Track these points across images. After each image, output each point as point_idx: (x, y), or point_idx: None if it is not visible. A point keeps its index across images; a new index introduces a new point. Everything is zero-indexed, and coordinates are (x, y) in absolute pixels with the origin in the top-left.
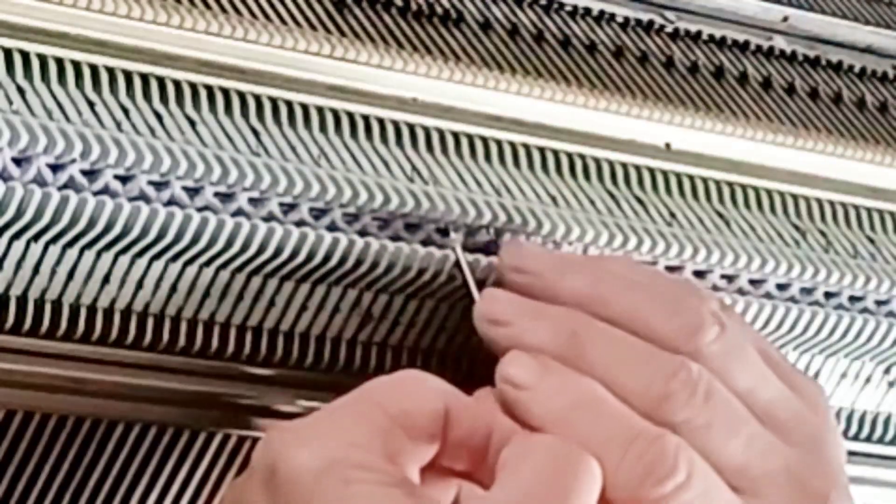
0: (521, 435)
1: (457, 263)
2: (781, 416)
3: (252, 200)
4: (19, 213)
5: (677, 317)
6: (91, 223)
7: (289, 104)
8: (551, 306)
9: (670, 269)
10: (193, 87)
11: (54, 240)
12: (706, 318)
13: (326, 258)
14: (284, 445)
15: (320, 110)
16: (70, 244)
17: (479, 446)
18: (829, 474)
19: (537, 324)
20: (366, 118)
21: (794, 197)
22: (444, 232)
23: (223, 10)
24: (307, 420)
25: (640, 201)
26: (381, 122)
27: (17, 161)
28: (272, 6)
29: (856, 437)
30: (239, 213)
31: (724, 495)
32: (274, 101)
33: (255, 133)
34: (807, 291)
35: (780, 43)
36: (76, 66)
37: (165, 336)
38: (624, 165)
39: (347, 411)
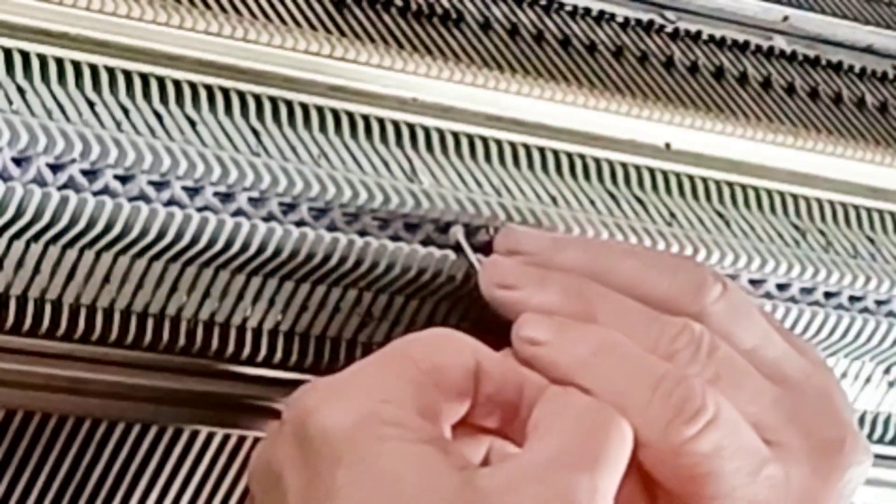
0: (552, 392)
1: (458, 246)
2: (788, 371)
3: (252, 200)
4: (19, 213)
5: (679, 278)
6: (91, 223)
7: (289, 104)
8: (555, 272)
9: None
10: (193, 87)
11: (54, 240)
12: (708, 278)
13: (326, 258)
14: (316, 401)
15: (320, 110)
16: (70, 244)
17: (510, 403)
18: (842, 423)
19: (544, 287)
20: (366, 118)
21: (794, 197)
22: (445, 228)
23: (223, 10)
24: (338, 376)
25: (640, 201)
26: (381, 122)
27: (17, 161)
28: (272, 6)
29: None
30: (239, 213)
31: (749, 434)
32: (274, 101)
33: (255, 133)
34: (807, 291)
35: (780, 43)
36: (76, 66)
37: (165, 336)
38: (624, 165)
39: (379, 367)
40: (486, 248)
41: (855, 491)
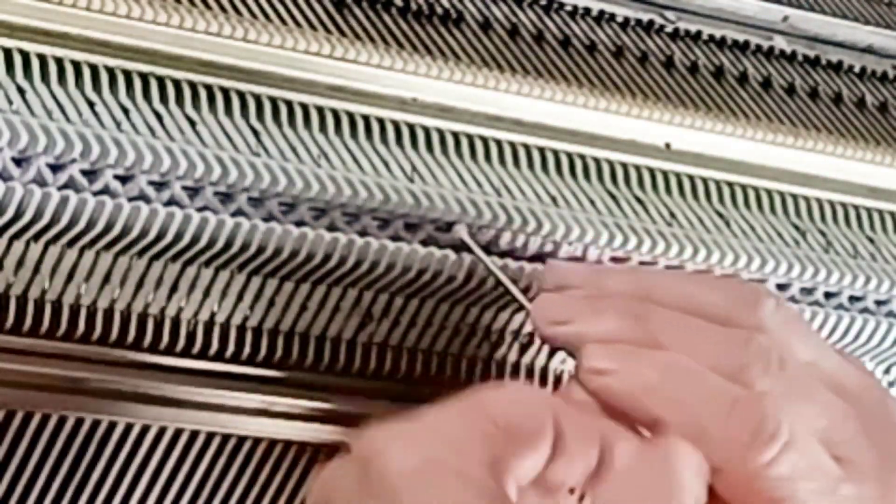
0: (629, 445)
1: (463, 244)
2: (847, 384)
3: (252, 200)
4: (19, 213)
5: (733, 293)
6: (91, 223)
7: (289, 104)
8: (608, 297)
9: (670, 269)
10: (193, 87)
11: (54, 240)
12: (762, 292)
13: (326, 258)
14: (382, 441)
15: (320, 110)
16: (70, 244)
17: (590, 459)
18: None
19: (599, 316)
20: (366, 118)
21: (794, 197)
22: (445, 228)
23: (223, 10)
24: (409, 419)
25: (640, 201)
26: (381, 122)
27: (17, 161)
28: (272, 6)
29: None
30: (239, 213)
31: (823, 456)
32: (274, 101)
33: (255, 133)
34: (807, 291)
35: (780, 43)
36: (76, 66)
37: (166, 336)
38: (624, 165)
39: (452, 415)
40: (485, 249)
41: None
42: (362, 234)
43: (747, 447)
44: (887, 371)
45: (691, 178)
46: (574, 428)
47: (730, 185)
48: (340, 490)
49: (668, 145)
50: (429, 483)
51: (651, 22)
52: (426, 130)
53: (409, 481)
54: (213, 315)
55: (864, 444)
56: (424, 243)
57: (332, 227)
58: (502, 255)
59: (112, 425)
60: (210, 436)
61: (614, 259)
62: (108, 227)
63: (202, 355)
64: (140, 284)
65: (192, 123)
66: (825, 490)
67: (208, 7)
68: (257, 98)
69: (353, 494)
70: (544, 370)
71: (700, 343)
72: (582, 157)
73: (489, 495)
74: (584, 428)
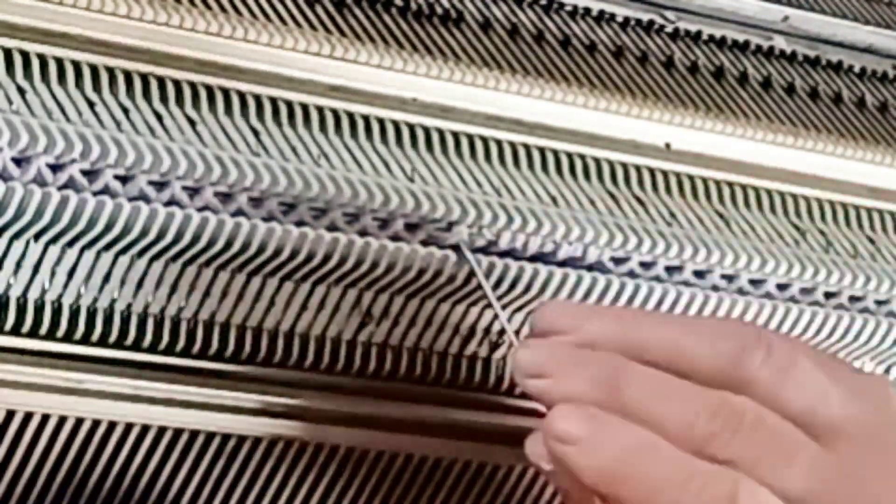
0: None
1: (457, 248)
2: (847, 430)
3: (252, 200)
4: (19, 213)
5: (719, 346)
6: (91, 223)
7: (289, 104)
8: (587, 354)
9: (670, 269)
10: (193, 87)
11: (54, 240)
12: (749, 342)
13: (326, 258)
14: None
15: (320, 110)
16: (70, 244)
17: None
18: None
19: (575, 372)
20: (366, 118)
21: (794, 197)
22: (445, 228)
23: (223, 10)
24: None
25: (640, 201)
26: (381, 122)
27: (17, 161)
28: (272, 6)
29: None
30: (239, 213)
31: None
32: (274, 101)
33: (255, 133)
34: (807, 291)
35: (780, 43)
36: (76, 66)
37: (165, 336)
38: (624, 165)
39: None
40: (485, 249)
41: None
42: (362, 234)
43: None
44: (887, 371)
45: (691, 178)
46: None
47: (730, 185)
48: None
49: (668, 145)
50: None
51: (651, 22)
52: (426, 130)
53: None
54: (213, 315)
55: (857, 495)
56: (425, 243)
57: (332, 227)
58: (502, 255)
59: (112, 425)
60: (210, 436)
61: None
62: (108, 227)
63: (202, 355)
64: (140, 284)
65: (192, 123)
66: None
67: (208, 7)
68: (257, 98)
69: None
70: None
71: (670, 408)
72: (582, 157)
73: None
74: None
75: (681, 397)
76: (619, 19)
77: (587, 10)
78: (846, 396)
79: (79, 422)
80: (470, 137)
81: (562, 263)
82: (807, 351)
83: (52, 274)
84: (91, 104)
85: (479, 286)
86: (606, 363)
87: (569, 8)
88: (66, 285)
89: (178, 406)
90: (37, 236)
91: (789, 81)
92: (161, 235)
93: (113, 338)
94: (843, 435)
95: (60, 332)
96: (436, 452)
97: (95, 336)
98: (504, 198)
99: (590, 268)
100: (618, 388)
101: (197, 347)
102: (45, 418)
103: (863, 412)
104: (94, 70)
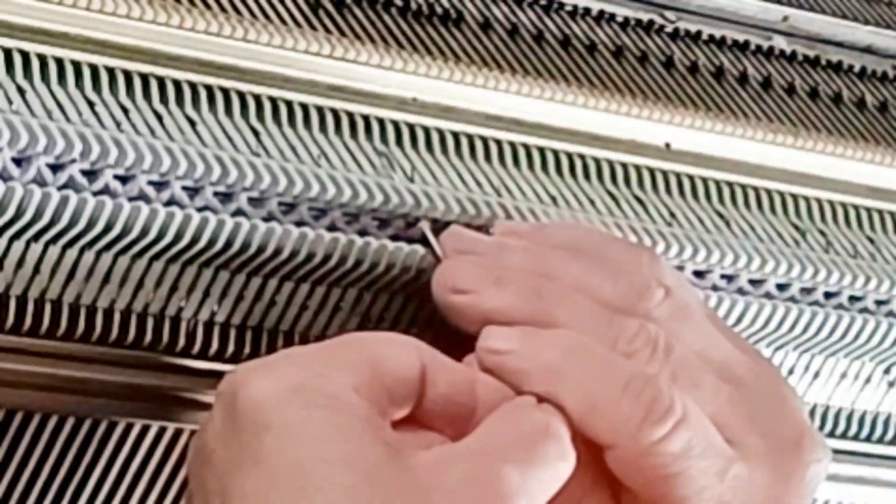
0: (507, 403)
1: (424, 239)
2: (738, 372)
3: (252, 200)
4: (19, 213)
5: (622, 283)
6: (91, 223)
7: (289, 104)
8: (511, 272)
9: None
10: (193, 87)
11: (54, 240)
12: (651, 283)
13: (326, 258)
14: (249, 373)
15: (320, 110)
16: (70, 244)
17: (463, 406)
18: (798, 421)
19: (500, 288)
20: (366, 118)
21: (794, 197)
22: (445, 228)
23: (223, 10)
24: (273, 355)
25: (640, 201)
26: (381, 122)
27: (17, 161)
28: (272, 6)
29: (856, 437)
30: (239, 213)
31: (715, 434)
32: (274, 101)
33: (255, 133)
34: (807, 291)
35: (780, 43)
36: (76, 66)
37: (165, 336)
38: (624, 165)
39: (317, 349)
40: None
41: (816, 489)
42: (362, 234)
43: (640, 423)
44: (887, 371)
45: (691, 178)
46: (445, 374)
47: (730, 185)
48: (212, 432)
49: (668, 145)
50: (296, 404)
51: (651, 22)
52: (426, 130)
53: (278, 404)
54: (213, 315)
55: (754, 429)
56: (425, 243)
57: (332, 227)
58: None
59: (112, 425)
60: None
61: None
62: (108, 227)
63: (202, 355)
64: (140, 284)
65: (192, 123)
66: (717, 470)
67: (208, 7)
68: (257, 98)
69: (225, 431)
70: None
71: (593, 329)
72: (582, 157)
73: (359, 414)
74: (456, 375)
75: (604, 318)
76: (619, 19)
77: (587, 10)
78: (733, 347)
79: (79, 422)
80: (470, 137)
81: None
82: (700, 303)
83: (52, 274)
84: (91, 104)
85: None
86: (531, 280)
87: (569, 8)
88: (65, 285)
89: (178, 406)
90: (37, 236)
91: (789, 81)
92: (161, 235)
93: (113, 338)
94: (736, 375)
95: (60, 332)
96: None
97: (95, 336)
98: (504, 198)
99: None
100: (545, 303)
101: (197, 347)
102: (46, 418)
103: (750, 361)
104: (94, 70)
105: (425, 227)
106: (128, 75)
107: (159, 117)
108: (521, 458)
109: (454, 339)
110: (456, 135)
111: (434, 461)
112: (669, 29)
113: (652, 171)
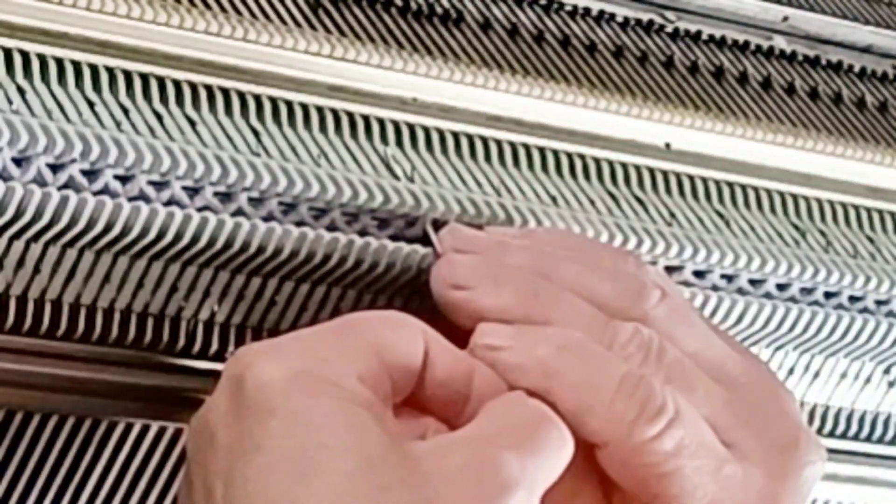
0: (505, 395)
1: (426, 238)
2: (733, 373)
3: (252, 200)
4: (19, 213)
5: (619, 284)
6: (91, 223)
7: (289, 104)
8: (510, 271)
9: (670, 269)
10: (193, 87)
11: (54, 240)
12: (647, 284)
13: (326, 258)
14: (253, 357)
15: (320, 110)
16: (70, 244)
17: (459, 394)
18: (793, 422)
19: (499, 287)
20: (366, 118)
21: (794, 197)
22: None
23: (223, 10)
24: (281, 337)
25: (640, 201)
26: (381, 122)
27: (17, 161)
28: (272, 6)
29: (856, 437)
30: (239, 213)
31: (709, 433)
32: (274, 101)
33: (255, 133)
34: (807, 291)
35: (780, 43)
36: (76, 66)
37: (165, 336)
38: (624, 165)
39: (323, 332)
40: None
41: (812, 490)
42: (362, 234)
43: (633, 421)
44: (887, 371)
45: (691, 178)
46: (446, 359)
47: (730, 185)
48: (216, 412)
49: (668, 145)
50: (301, 391)
51: (651, 22)
52: (426, 130)
53: (283, 390)
54: (213, 315)
55: (748, 430)
56: (425, 243)
57: (332, 227)
58: None
59: (112, 425)
60: None
61: None
62: (108, 227)
63: (202, 355)
64: (140, 284)
65: (192, 123)
66: (710, 469)
67: (208, 7)
68: (257, 98)
69: (229, 414)
70: None
71: (589, 331)
72: (582, 157)
73: (362, 402)
74: (457, 361)
75: (599, 321)
76: (619, 19)
77: (587, 10)
78: (729, 349)
79: (79, 422)
80: (470, 137)
81: None
82: (690, 304)
83: (52, 274)
84: (91, 104)
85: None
86: (530, 280)
87: (569, 8)
88: (65, 285)
89: (180, 405)
90: (37, 236)
91: (789, 81)
92: (161, 235)
93: (113, 338)
94: (731, 377)
95: (60, 332)
96: None
97: (95, 336)
98: (504, 198)
99: None
100: (541, 304)
101: (197, 347)
102: (46, 418)
103: (746, 363)
104: (94, 70)
105: (428, 226)
106: (128, 75)
107: (159, 117)
108: (522, 444)
109: (453, 336)
110: (456, 135)
111: (435, 448)
112: (669, 29)
113: (652, 171)
